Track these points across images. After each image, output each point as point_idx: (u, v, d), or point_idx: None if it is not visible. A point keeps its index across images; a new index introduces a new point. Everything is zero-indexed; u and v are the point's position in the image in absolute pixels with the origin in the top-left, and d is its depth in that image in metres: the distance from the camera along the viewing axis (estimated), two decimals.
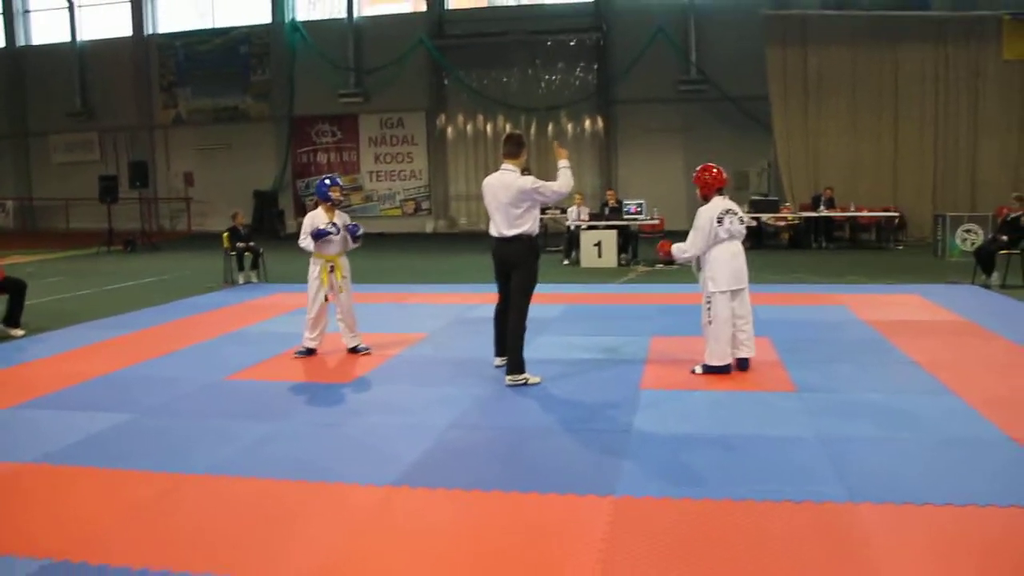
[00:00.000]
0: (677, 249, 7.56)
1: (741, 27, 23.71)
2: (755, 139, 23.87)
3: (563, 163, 7.23)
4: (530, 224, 7.18)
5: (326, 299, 8.41)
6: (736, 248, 7.40)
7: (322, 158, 29.35)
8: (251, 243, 15.01)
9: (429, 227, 28.37)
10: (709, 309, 7.35)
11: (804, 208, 20.55)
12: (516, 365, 7.19)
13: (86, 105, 30.72)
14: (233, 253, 14.83)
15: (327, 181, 8.60)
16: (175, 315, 11.30)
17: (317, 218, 8.42)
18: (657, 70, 25.55)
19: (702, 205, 7.48)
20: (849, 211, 20.06)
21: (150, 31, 30.21)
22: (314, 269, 8.45)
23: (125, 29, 30.23)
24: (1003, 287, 12.49)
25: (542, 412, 6.37)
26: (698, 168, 7.62)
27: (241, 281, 14.68)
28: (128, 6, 30.07)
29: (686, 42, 25.57)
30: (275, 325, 10.37)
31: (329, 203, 8.51)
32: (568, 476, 4.96)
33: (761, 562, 3.82)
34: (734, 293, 7.37)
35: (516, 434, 5.89)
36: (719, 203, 7.39)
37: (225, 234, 14.89)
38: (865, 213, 20.41)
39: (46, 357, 8.74)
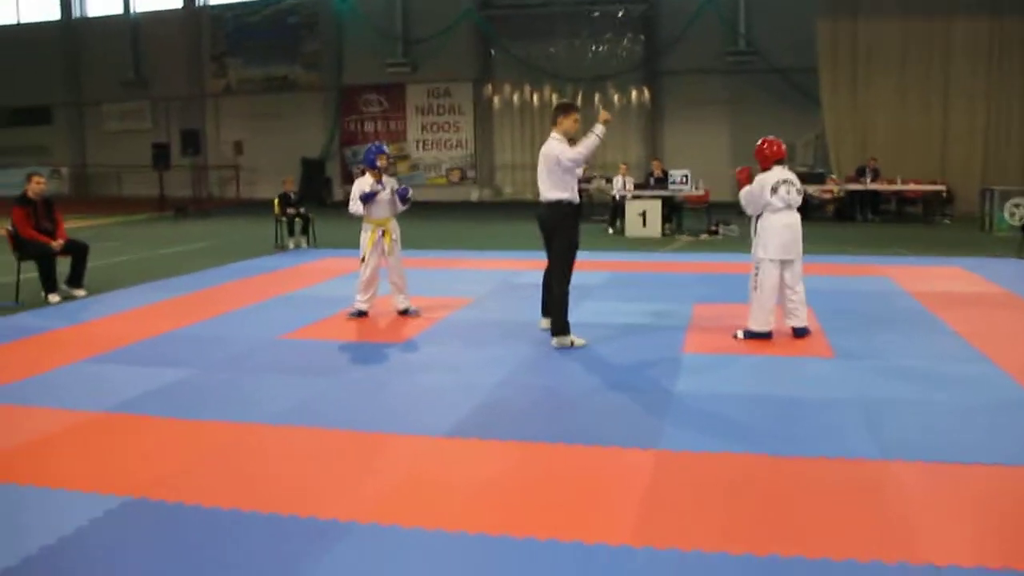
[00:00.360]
0: (742, 192, 7.76)
1: None
2: (803, 111, 23.68)
3: (598, 128, 7.23)
4: (568, 191, 7.39)
5: (381, 262, 8.66)
6: (790, 219, 7.53)
7: (369, 127, 29.66)
8: (301, 209, 15.35)
9: (475, 195, 28.60)
10: (757, 275, 7.54)
11: (850, 180, 20.45)
12: (560, 327, 7.41)
13: (139, 75, 31.33)
14: (284, 219, 15.18)
15: (374, 149, 8.82)
16: (228, 278, 11.65)
17: (365, 184, 8.63)
18: (704, 41, 25.44)
19: (763, 173, 7.65)
20: (896, 184, 19.93)
21: (201, 2, 30.63)
22: (365, 233, 8.70)
23: (177, 1, 30.69)
24: None
25: (587, 373, 6.59)
26: (760, 141, 7.76)
27: (291, 246, 15.03)
28: None
29: (735, 13, 25.40)
30: (326, 289, 10.67)
31: (376, 170, 8.71)
32: (612, 431, 5.20)
33: (794, 512, 4.03)
34: (784, 263, 7.53)
35: (562, 393, 6.12)
36: (777, 172, 7.55)
37: (276, 200, 15.24)
38: (911, 187, 20.26)
39: (108, 316, 9.11)
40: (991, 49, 21.59)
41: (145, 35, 30.99)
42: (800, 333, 7.63)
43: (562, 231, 7.39)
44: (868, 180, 19.68)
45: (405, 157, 29.25)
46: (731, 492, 4.25)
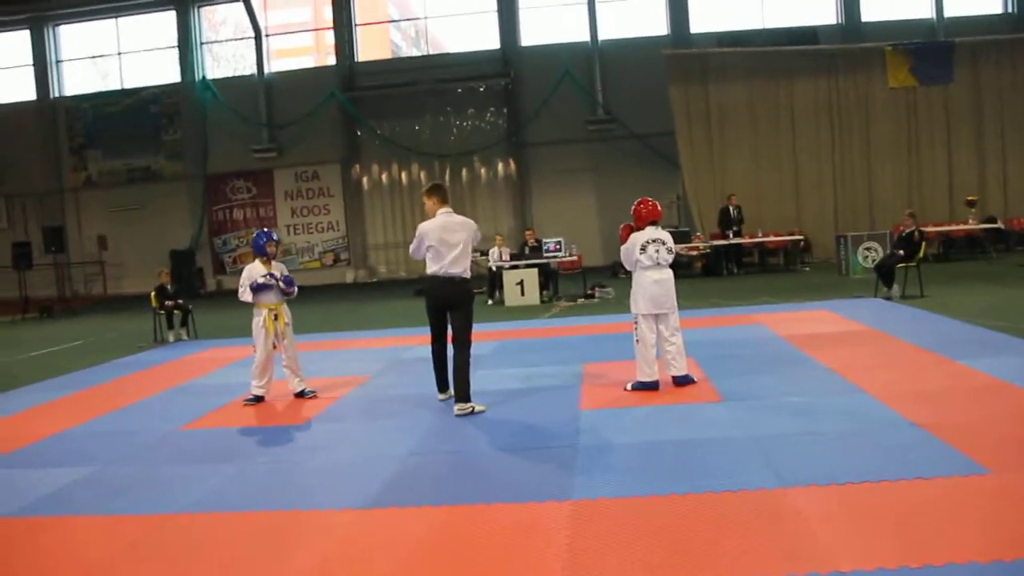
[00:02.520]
0: (622, 248, 8.18)
1: (644, 66, 24.70)
2: (663, 173, 24.77)
3: None
4: (469, 263, 7.80)
5: (274, 347, 8.72)
6: (659, 276, 7.94)
7: (238, 214, 29.35)
8: (179, 300, 15.12)
9: (349, 277, 28.56)
10: (636, 329, 7.96)
11: (715, 237, 21.49)
12: (465, 395, 7.58)
13: None
14: (162, 311, 14.90)
15: (264, 236, 8.99)
16: (113, 375, 11.36)
17: (254, 270, 8.80)
18: (565, 111, 26.39)
19: (635, 233, 8.11)
20: (756, 237, 21.06)
21: (56, 94, 29.96)
22: (258, 319, 8.76)
23: (29, 93, 29.94)
24: (903, 298, 13.42)
25: (493, 436, 6.79)
26: (637, 201, 8.21)
27: (171, 339, 14.74)
28: (31, 70, 29.81)
29: (592, 83, 26.49)
30: (217, 378, 10.57)
31: (265, 256, 8.88)
32: (527, 487, 5.40)
33: (707, 541, 4.32)
34: (659, 317, 7.95)
35: (472, 456, 6.30)
36: (649, 232, 8.02)
37: (153, 293, 14.96)
38: (771, 238, 21.47)
39: None
40: (830, 105, 23.42)
41: None
42: (680, 382, 8.02)
43: (467, 304, 7.70)
44: (734, 219, 20.71)
45: (277, 244, 28.97)
46: (647, 531, 4.51)
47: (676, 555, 4.17)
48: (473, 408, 7.58)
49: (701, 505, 4.83)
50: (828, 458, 5.54)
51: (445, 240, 7.59)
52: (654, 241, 7.96)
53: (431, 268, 7.69)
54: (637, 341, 8.00)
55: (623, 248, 8.16)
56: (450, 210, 7.79)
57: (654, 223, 8.11)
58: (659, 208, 8.24)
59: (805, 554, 4.07)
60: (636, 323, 8.00)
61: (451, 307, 7.70)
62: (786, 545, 4.19)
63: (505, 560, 4.29)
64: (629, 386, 8.05)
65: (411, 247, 7.93)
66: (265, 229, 9.57)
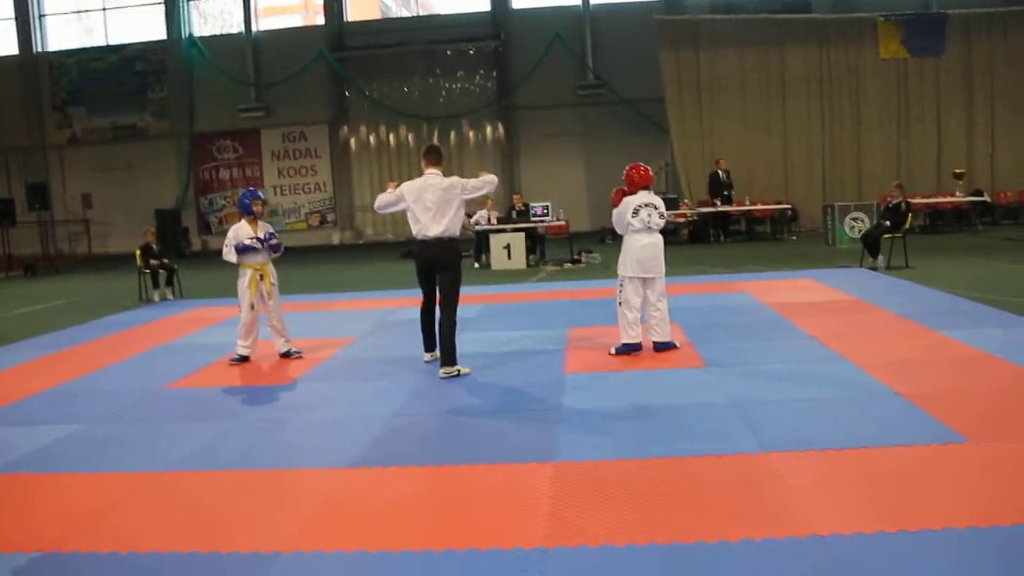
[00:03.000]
0: (615, 211, 8.25)
1: (635, 32, 24.64)
2: (653, 140, 24.75)
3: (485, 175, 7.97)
4: (457, 225, 7.78)
5: (252, 307, 8.71)
6: (649, 240, 8.03)
7: (224, 174, 29.18)
8: (164, 260, 15.06)
9: (336, 239, 28.49)
10: (621, 291, 8.08)
11: (703, 204, 21.50)
12: (450, 357, 7.59)
13: None
14: (147, 271, 14.83)
15: (249, 195, 8.97)
16: (98, 333, 11.33)
17: (241, 231, 8.77)
18: (555, 76, 26.29)
19: (628, 196, 8.17)
20: (744, 205, 21.08)
21: (39, 49, 29.57)
22: (243, 279, 8.74)
23: (11, 48, 29.54)
24: (888, 268, 13.49)
25: (478, 398, 6.83)
26: (628, 166, 8.28)
27: (157, 299, 14.68)
28: (13, 24, 29.39)
29: (582, 48, 26.39)
30: (202, 337, 10.56)
31: (252, 215, 8.86)
32: (510, 449, 5.45)
33: (689, 504, 4.37)
34: (646, 281, 8.02)
35: (457, 417, 6.33)
36: (642, 196, 8.09)
37: (138, 251, 14.88)
38: (759, 207, 21.50)
39: None
40: (821, 74, 23.33)
41: None
42: (660, 347, 8.11)
43: (453, 265, 7.69)
44: (723, 183, 20.78)
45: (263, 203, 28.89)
46: (629, 493, 4.56)
47: (658, 517, 4.22)
48: (459, 371, 7.60)
49: (682, 468, 4.89)
50: (809, 424, 5.61)
51: (420, 200, 7.64)
52: (647, 205, 8.03)
53: (413, 229, 7.81)
54: (620, 304, 8.09)
55: (615, 211, 8.20)
56: (437, 172, 7.81)
57: (646, 188, 8.16)
58: (651, 173, 8.31)
59: (785, 518, 4.12)
60: (622, 286, 8.08)
61: (436, 268, 7.73)
62: (766, 509, 4.25)
63: (488, 520, 4.33)
64: (613, 350, 8.11)
65: (382, 198, 8.02)
66: (251, 188, 9.52)
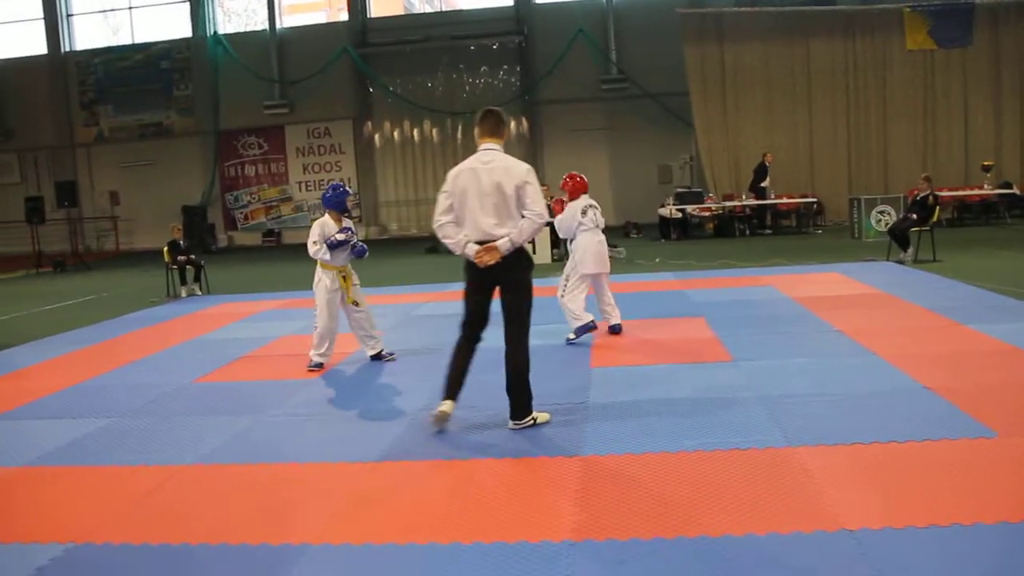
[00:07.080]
0: (557, 219, 9.04)
1: (659, 25, 24.53)
2: (677, 134, 24.66)
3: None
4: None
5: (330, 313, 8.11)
6: (599, 237, 8.79)
7: (250, 170, 29.36)
8: (192, 256, 15.18)
9: (361, 234, 28.46)
10: (566, 285, 8.69)
11: (727, 198, 21.40)
12: (524, 405, 5.76)
13: (3, 126, 30.22)
14: (175, 267, 14.97)
15: (341, 190, 8.24)
16: (126, 328, 11.45)
17: (327, 226, 8.04)
18: (579, 70, 26.25)
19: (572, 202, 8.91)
20: (769, 199, 20.95)
21: (67, 48, 29.87)
22: (323, 279, 8.13)
23: (40, 47, 29.85)
24: (915, 262, 13.38)
25: (504, 392, 6.80)
26: (565, 176, 9.03)
27: (184, 294, 14.81)
28: (42, 24, 29.70)
29: (606, 42, 26.31)
30: (229, 332, 10.64)
31: (343, 212, 8.21)
32: (538, 443, 5.47)
33: (717, 497, 4.36)
34: (596, 275, 8.74)
35: (483, 413, 6.31)
36: (584, 200, 8.89)
37: (165, 248, 15.03)
38: (785, 200, 21.37)
39: (6, 374, 8.87)
40: (846, 67, 23.11)
41: (7, 84, 29.93)
42: (616, 330, 8.83)
43: (522, 277, 5.80)
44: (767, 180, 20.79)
45: (288, 199, 29.11)
46: (656, 487, 4.56)
47: (685, 511, 4.21)
48: (534, 420, 5.79)
49: (710, 461, 4.88)
50: (837, 419, 5.57)
51: (469, 191, 5.58)
52: (592, 207, 8.85)
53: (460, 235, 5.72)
54: (562, 295, 8.71)
55: (560, 218, 8.95)
56: (493, 147, 5.69)
57: (584, 193, 8.92)
58: (586, 181, 9.03)
59: (813, 512, 4.11)
60: (567, 280, 8.72)
61: (495, 281, 5.74)
62: (794, 503, 4.24)
63: (515, 513, 4.34)
64: (572, 335, 8.62)
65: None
66: (337, 182, 9.26)
